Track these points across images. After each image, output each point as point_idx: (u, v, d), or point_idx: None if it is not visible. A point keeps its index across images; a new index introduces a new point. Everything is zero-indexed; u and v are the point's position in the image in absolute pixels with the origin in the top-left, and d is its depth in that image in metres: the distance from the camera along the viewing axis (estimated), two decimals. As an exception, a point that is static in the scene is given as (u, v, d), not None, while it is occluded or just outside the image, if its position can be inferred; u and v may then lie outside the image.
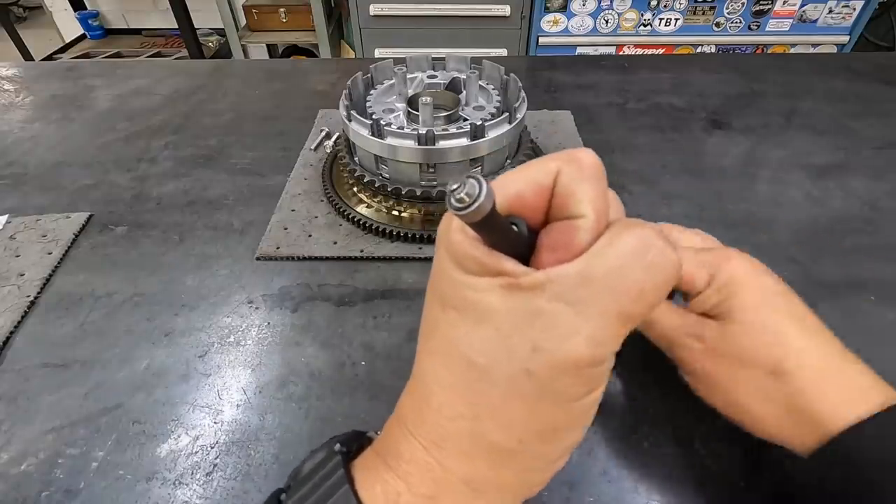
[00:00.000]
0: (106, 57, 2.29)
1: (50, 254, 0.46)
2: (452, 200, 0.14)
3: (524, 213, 0.17)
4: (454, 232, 0.16)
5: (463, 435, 0.17)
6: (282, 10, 2.11)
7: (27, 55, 2.38)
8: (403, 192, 0.45)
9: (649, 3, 1.70)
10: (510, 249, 0.16)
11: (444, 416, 0.17)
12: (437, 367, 0.18)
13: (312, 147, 0.59)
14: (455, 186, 0.14)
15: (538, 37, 1.76)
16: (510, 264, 0.16)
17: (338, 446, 0.20)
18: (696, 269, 0.27)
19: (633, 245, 0.15)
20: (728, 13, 1.72)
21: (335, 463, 0.19)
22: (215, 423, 0.34)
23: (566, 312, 0.15)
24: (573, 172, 0.16)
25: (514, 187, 0.16)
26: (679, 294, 0.30)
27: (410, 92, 0.51)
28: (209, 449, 0.32)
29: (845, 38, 1.76)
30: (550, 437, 0.17)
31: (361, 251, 0.45)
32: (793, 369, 0.25)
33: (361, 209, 0.48)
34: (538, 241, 0.16)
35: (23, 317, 0.40)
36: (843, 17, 1.73)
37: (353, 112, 0.45)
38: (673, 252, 0.16)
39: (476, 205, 0.13)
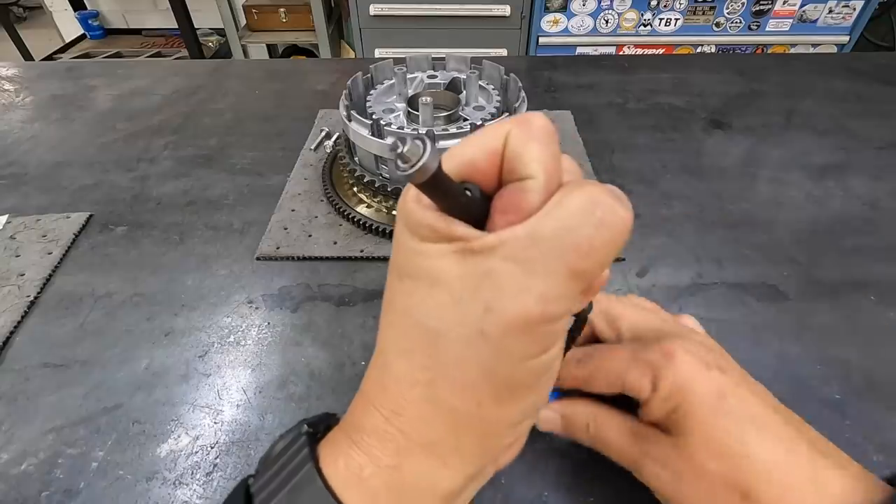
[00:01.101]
0: (106, 57, 2.29)
1: (50, 254, 0.46)
2: (399, 162, 0.14)
3: (478, 178, 0.17)
4: (409, 201, 0.17)
5: (421, 401, 0.17)
6: (282, 10, 2.11)
7: (27, 55, 2.38)
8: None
9: (649, 3, 1.70)
10: (465, 215, 0.16)
11: (403, 384, 0.17)
12: (395, 337, 0.18)
13: (312, 147, 0.59)
14: (400, 148, 0.14)
15: (538, 37, 1.76)
16: (462, 228, 0.16)
17: (305, 427, 0.20)
18: (638, 375, 0.25)
19: (581, 203, 0.15)
20: (728, 13, 1.72)
21: (301, 443, 0.19)
22: (215, 423, 0.34)
23: (516, 272, 0.15)
24: (522, 134, 0.16)
25: (466, 153, 0.16)
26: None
27: (410, 92, 0.51)
28: (209, 449, 0.32)
29: (845, 38, 1.76)
30: (508, 398, 0.17)
31: (361, 251, 0.45)
32: (760, 490, 0.22)
33: (361, 209, 0.48)
34: (491, 206, 0.17)
35: (23, 317, 0.40)
36: (843, 17, 1.73)
37: (353, 112, 0.45)
38: (622, 209, 0.16)
39: (420, 163, 0.13)
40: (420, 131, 0.42)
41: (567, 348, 0.25)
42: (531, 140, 0.16)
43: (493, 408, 0.17)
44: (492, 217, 0.16)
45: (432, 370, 0.17)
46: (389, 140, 0.43)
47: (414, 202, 0.16)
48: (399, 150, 0.14)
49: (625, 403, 0.27)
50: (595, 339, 0.30)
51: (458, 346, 0.16)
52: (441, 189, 0.15)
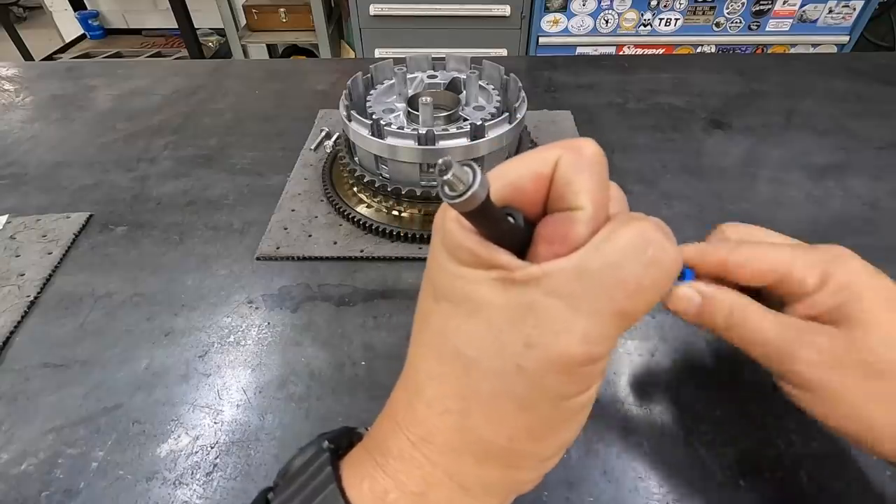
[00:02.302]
0: (106, 57, 2.29)
1: (50, 254, 0.46)
2: (446, 189, 0.13)
3: (522, 203, 0.16)
4: (449, 222, 0.16)
5: (452, 430, 0.17)
6: (282, 10, 2.10)
7: (27, 55, 2.38)
8: (403, 192, 0.45)
9: (649, 3, 1.69)
10: (506, 241, 0.15)
11: (434, 411, 0.17)
12: (428, 360, 0.17)
13: (312, 147, 0.59)
14: (447, 175, 0.13)
15: (538, 37, 1.76)
16: (505, 257, 0.15)
17: (326, 443, 0.20)
18: (805, 267, 0.24)
19: (631, 240, 0.15)
20: (728, 13, 1.72)
21: (323, 460, 0.19)
22: (215, 423, 0.34)
23: (560, 308, 0.14)
24: (573, 162, 0.15)
25: (512, 176, 0.16)
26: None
27: (410, 92, 0.51)
28: (209, 449, 0.32)
29: (845, 38, 1.76)
30: (541, 436, 0.17)
31: (361, 251, 0.45)
32: None
33: (361, 209, 0.48)
34: (535, 233, 0.16)
35: (23, 317, 0.40)
36: (843, 17, 1.73)
37: (353, 112, 0.45)
38: (673, 247, 0.15)
39: (469, 193, 0.13)
40: (420, 131, 0.42)
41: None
42: (582, 169, 0.15)
43: (526, 443, 0.17)
44: (535, 246, 0.16)
45: (466, 400, 0.16)
46: (398, 141, 0.42)
47: (454, 223, 0.16)
48: (446, 177, 0.13)
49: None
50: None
51: (495, 378, 0.16)
52: (484, 214, 0.14)
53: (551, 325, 0.15)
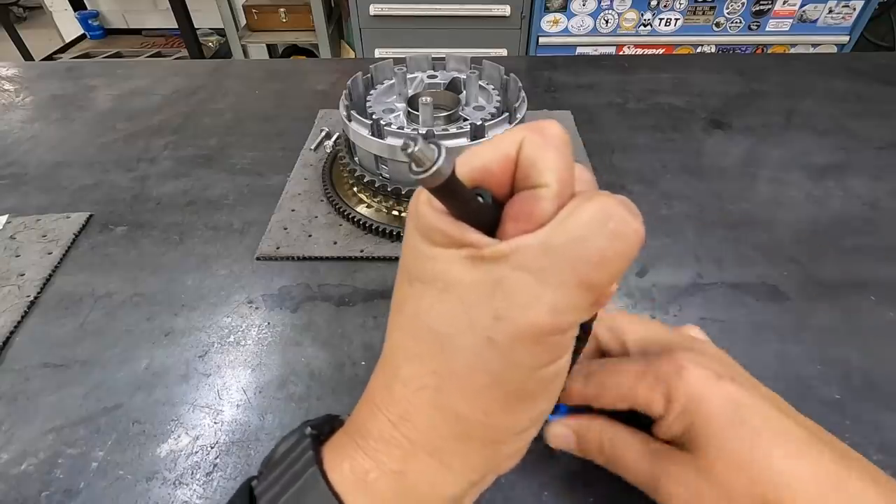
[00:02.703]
0: (106, 57, 2.29)
1: (50, 254, 0.46)
2: (413, 165, 0.14)
3: (491, 184, 0.16)
4: (421, 205, 0.16)
5: (428, 406, 0.17)
6: (282, 10, 2.11)
7: (27, 55, 2.38)
8: (403, 192, 0.45)
9: (649, 3, 1.70)
10: (476, 221, 0.16)
11: (410, 389, 0.17)
12: (404, 341, 0.18)
13: (312, 147, 0.59)
14: (411, 148, 0.13)
15: (538, 37, 1.76)
16: (474, 235, 0.16)
17: (308, 430, 0.20)
18: (649, 391, 0.24)
19: (593, 214, 0.15)
20: (728, 13, 1.72)
21: (305, 445, 0.19)
22: (215, 423, 0.34)
23: (528, 281, 0.15)
24: (536, 142, 0.16)
25: (480, 159, 0.16)
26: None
27: (410, 92, 0.51)
28: (209, 449, 0.32)
29: (845, 38, 1.76)
30: (515, 407, 0.17)
31: (361, 251, 0.45)
32: None
33: (361, 209, 0.48)
34: (503, 213, 0.16)
35: (23, 317, 0.40)
36: (843, 17, 1.73)
37: (353, 112, 0.45)
38: (635, 221, 0.16)
39: (434, 168, 0.13)
40: (420, 131, 0.42)
41: (573, 360, 0.25)
42: (546, 148, 0.16)
43: (501, 416, 0.17)
44: (503, 224, 0.16)
45: (440, 376, 0.17)
46: (397, 141, 0.43)
47: (426, 206, 0.16)
48: (410, 150, 0.13)
49: (636, 420, 0.26)
50: (601, 353, 0.29)
51: (467, 352, 0.16)
52: (454, 194, 0.15)
53: (519, 297, 0.15)
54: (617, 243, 0.15)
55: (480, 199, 0.16)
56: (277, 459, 0.20)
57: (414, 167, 0.14)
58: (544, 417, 0.19)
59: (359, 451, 0.18)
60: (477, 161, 0.17)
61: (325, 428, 0.21)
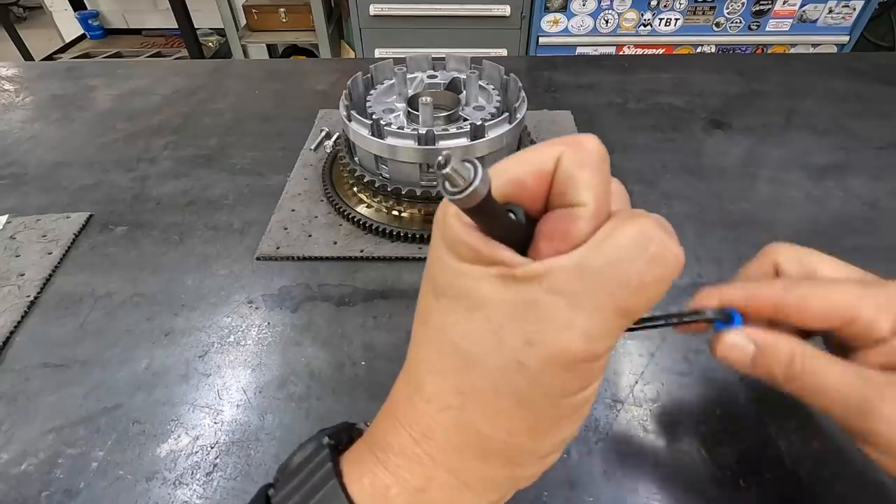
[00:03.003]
0: (106, 57, 2.29)
1: (50, 254, 0.46)
2: (446, 184, 0.13)
3: (523, 199, 0.16)
4: (450, 217, 0.16)
5: (452, 426, 0.17)
6: (282, 10, 2.10)
7: (27, 55, 2.38)
8: (403, 192, 0.45)
9: (649, 3, 1.69)
10: (507, 237, 0.15)
11: (434, 407, 0.17)
12: (429, 356, 0.17)
13: (312, 147, 0.59)
14: (446, 169, 0.13)
15: (538, 37, 1.76)
16: (506, 253, 0.15)
17: (326, 439, 0.20)
18: (877, 310, 0.22)
19: (632, 236, 0.15)
20: (728, 13, 1.72)
21: (323, 456, 0.19)
22: (215, 423, 0.34)
23: (561, 305, 0.14)
24: (575, 158, 0.15)
25: (514, 172, 0.16)
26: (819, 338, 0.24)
27: (410, 92, 0.51)
28: (209, 449, 0.32)
29: (845, 38, 1.76)
30: (541, 433, 0.17)
31: (361, 251, 0.45)
32: None
33: (361, 209, 0.48)
34: (536, 230, 0.16)
35: (23, 317, 0.40)
36: (843, 17, 1.73)
37: (353, 112, 0.45)
38: (675, 245, 0.15)
39: (470, 189, 0.13)
40: (420, 131, 0.42)
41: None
42: (583, 165, 0.15)
43: (525, 439, 0.17)
44: (536, 242, 0.16)
45: (465, 395, 0.16)
46: (398, 141, 0.43)
47: (455, 218, 0.16)
48: (445, 171, 0.13)
49: None
50: None
51: (495, 374, 0.16)
52: (486, 211, 0.14)
53: (552, 322, 0.15)
54: (656, 268, 0.15)
55: (513, 215, 0.16)
56: (295, 468, 0.19)
57: (448, 187, 0.13)
58: (568, 442, 0.19)
59: (379, 465, 0.18)
60: (510, 174, 0.16)
61: (343, 437, 0.21)
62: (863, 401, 0.21)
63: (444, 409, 0.17)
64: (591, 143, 0.16)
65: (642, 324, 0.23)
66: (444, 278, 0.16)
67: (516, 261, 0.15)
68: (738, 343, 0.23)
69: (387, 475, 0.17)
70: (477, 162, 0.13)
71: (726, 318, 0.23)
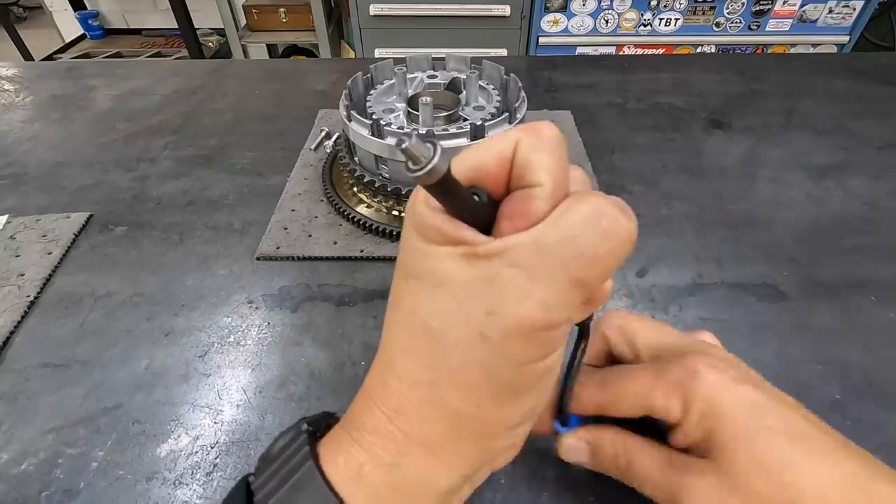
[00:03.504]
0: (106, 57, 2.29)
1: (50, 254, 0.46)
2: (409, 163, 0.14)
3: (487, 183, 0.17)
4: (419, 204, 0.17)
5: (422, 400, 0.17)
6: (282, 10, 2.11)
7: (27, 55, 2.38)
8: (403, 192, 0.45)
9: (649, 3, 1.69)
10: (472, 219, 0.16)
11: (405, 384, 0.18)
12: (399, 335, 0.18)
13: (312, 147, 0.59)
14: (405, 143, 0.14)
15: (538, 37, 1.76)
16: (469, 233, 0.16)
17: (305, 426, 0.20)
18: (665, 395, 0.23)
19: (586, 213, 0.15)
20: (728, 13, 1.72)
21: (301, 441, 0.19)
22: (215, 423, 0.34)
23: (520, 278, 0.15)
24: (532, 142, 0.16)
25: (476, 158, 0.17)
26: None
27: (410, 92, 0.51)
28: (209, 449, 0.32)
29: (845, 38, 1.76)
30: (508, 401, 0.18)
31: (361, 251, 0.45)
32: None
33: (361, 209, 0.48)
34: (499, 211, 0.17)
35: (23, 317, 0.40)
36: (843, 17, 1.73)
37: (353, 112, 0.45)
38: (627, 221, 0.16)
39: (430, 165, 0.14)
40: (420, 131, 0.42)
41: (576, 359, 0.24)
42: (540, 148, 0.16)
43: (493, 410, 0.17)
44: (498, 222, 0.17)
45: (435, 370, 0.17)
46: (392, 140, 0.43)
47: (423, 204, 0.17)
48: (404, 146, 0.14)
49: (651, 430, 0.25)
50: (611, 358, 0.29)
51: (461, 347, 0.16)
52: (450, 192, 0.15)
53: (512, 294, 0.15)
54: (608, 242, 0.15)
55: (476, 197, 0.16)
56: (274, 455, 0.20)
57: (410, 165, 0.14)
58: (536, 413, 0.19)
59: (354, 444, 0.18)
60: (473, 160, 0.17)
61: (322, 424, 0.21)
62: (670, 490, 0.23)
63: (414, 385, 0.17)
64: (546, 129, 0.17)
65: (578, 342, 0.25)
66: (413, 261, 0.17)
67: (479, 239, 0.16)
68: (574, 446, 0.26)
69: (361, 453, 0.18)
70: (437, 141, 0.14)
71: (564, 420, 0.26)
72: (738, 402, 0.22)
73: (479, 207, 0.16)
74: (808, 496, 0.20)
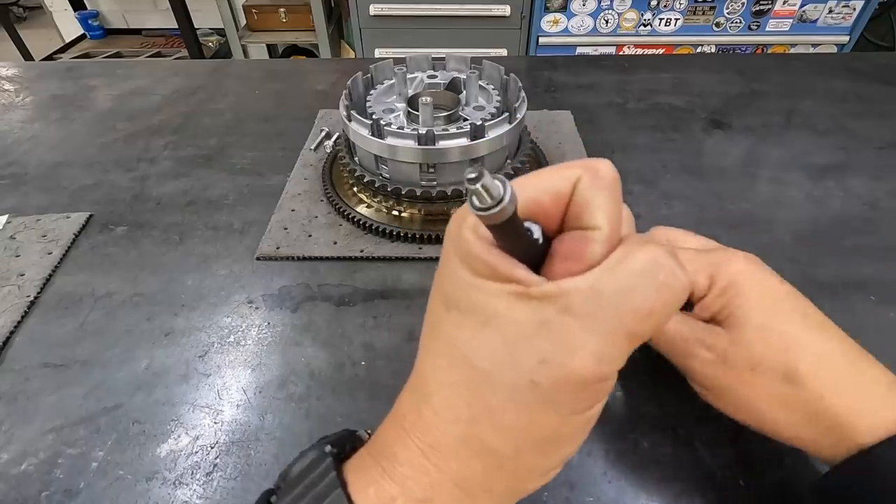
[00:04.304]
0: (106, 57, 2.29)
1: (50, 254, 0.46)
2: (474, 199, 0.13)
3: (539, 218, 0.16)
4: (466, 230, 0.16)
5: (460, 438, 0.17)
6: (282, 10, 2.10)
7: (27, 55, 2.38)
8: (403, 192, 0.45)
9: (649, 3, 1.69)
10: (522, 255, 0.16)
11: (443, 418, 0.17)
12: (438, 368, 0.18)
13: (312, 147, 0.59)
14: (477, 185, 0.13)
15: (538, 37, 1.76)
16: (522, 272, 0.15)
17: (329, 447, 0.20)
18: (697, 272, 0.27)
19: (644, 263, 0.15)
20: (728, 13, 1.72)
21: (327, 465, 0.19)
22: (215, 423, 0.34)
23: (575, 326, 0.15)
24: (591, 182, 0.16)
25: (533, 192, 0.16)
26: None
27: (410, 92, 0.51)
28: (209, 449, 0.32)
29: (845, 38, 1.76)
30: (547, 448, 0.17)
31: (361, 251, 0.45)
32: (808, 375, 0.24)
33: (361, 209, 0.48)
34: (551, 250, 0.16)
35: (23, 317, 0.40)
36: (843, 17, 1.73)
37: (353, 112, 0.45)
38: (683, 273, 0.16)
39: (500, 207, 0.13)
40: (420, 131, 0.42)
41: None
42: (600, 189, 0.16)
43: (531, 455, 0.17)
44: (550, 262, 0.16)
45: (475, 409, 0.16)
46: (397, 141, 0.43)
47: (471, 233, 0.16)
48: (476, 186, 0.13)
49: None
50: None
51: (507, 390, 0.16)
52: (508, 228, 0.14)
53: (566, 343, 0.15)
54: (665, 294, 0.15)
55: (530, 233, 0.16)
56: (297, 476, 0.19)
57: (476, 202, 0.13)
58: (569, 457, 0.19)
59: (385, 475, 0.18)
60: (529, 193, 0.16)
61: (346, 446, 0.21)
62: (684, 343, 0.27)
63: (453, 421, 0.17)
64: (606, 169, 0.16)
65: None
66: (457, 291, 0.17)
67: (532, 280, 0.15)
68: None
69: (392, 486, 0.17)
70: (506, 179, 0.13)
71: None
72: (759, 286, 0.26)
73: (531, 244, 0.16)
74: (802, 359, 0.24)
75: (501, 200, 0.13)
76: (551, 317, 0.15)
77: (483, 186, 0.13)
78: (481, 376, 0.16)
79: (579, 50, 1.79)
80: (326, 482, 0.18)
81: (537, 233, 0.16)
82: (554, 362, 0.15)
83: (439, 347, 0.18)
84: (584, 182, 0.16)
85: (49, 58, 2.22)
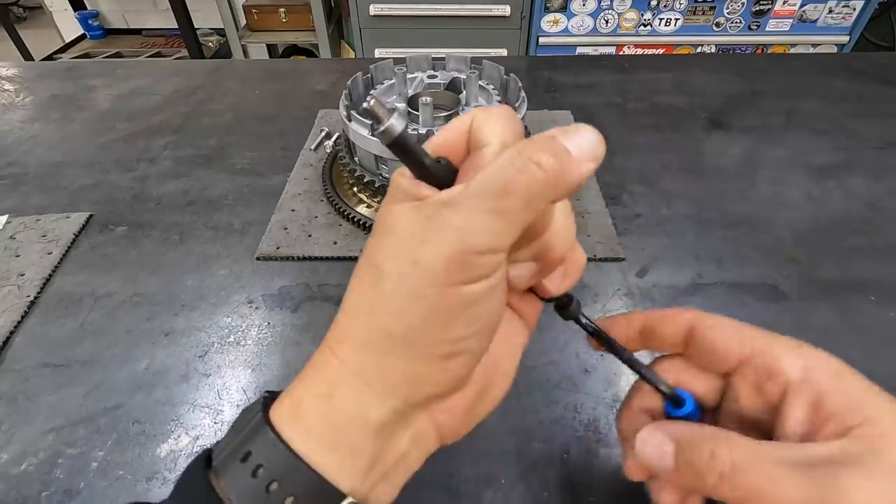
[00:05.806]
0: (106, 57, 2.29)
1: (50, 254, 0.46)
2: (374, 124, 0.17)
3: (450, 153, 0.20)
4: (396, 174, 0.19)
5: (361, 328, 0.19)
6: (282, 10, 2.10)
7: (27, 55, 2.38)
8: (403, 192, 0.45)
9: (649, 3, 1.69)
10: (437, 183, 0.19)
11: (349, 315, 0.19)
12: (353, 280, 0.20)
13: (312, 147, 0.59)
14: (367, 104, 0.17)
15: (538, 37, 1.76)
16: (426, 189, 0.18)
17: (265, 392, 0.21)
18: (784, 350, 0.21)
19: (507, 155, 0.17)
20: (728, 13, 1.72)
21: (257, 401, 0.20)
22: (215, 423, 0.34)
23: (448, 212, 0.17)
24: (483, 115, 0.19)
25: (440, 135, 0.20)
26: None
27: (410, 92, 0.51)
28: (209, 449, 0.32)
29: (845, 38, 1.76)
30: (433, 322, 0.18)
31: (361, 251, 0.45)
32: None
33: (361, 209, 0.48)
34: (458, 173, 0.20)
35: (23, 317, 0.40)
36: (843, 17, 1.73)
37: (353, 112, 0.45)
38: (547, 157, 0.17)
39: (387, 123, 0.17)
40: (420, 131, 0.42)
41: (613, 343, 0.24)
42: (489, 118, 0.19)
43: (421, 332, 0.18)
44: (458, 181, 0.19)
45: (373, 300, 0.18)
46: (364, 105, 0.43)
47: (398, 175, 0.19)
48: (365, 106, 0.17)
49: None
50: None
51: (396, 274, 0.18)
52: (411, 153, 0.18)
53: (439, 225, 0.17)
54: (521, 176, 0.17)
55: (440, 163, 0.19)
56: (235, 422, 0.21)
57: (375, 125, 0.17)
58: (465, 347, 0.19)
59: (298, 383, 0.20)
60: (438, 137, 0.20)
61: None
62: (815, 489, 0.17)
63: (356, 314, 0.19)
64: (498, 108, 0.20)
65: (604, 343, 0.24)
66: (380, 220, 0.19)
67: (433, 193, 0.18)
68: (650, 441, 0.20)
69: (301, 389, 0.19)
70: (395, 106, 0.16)
71: (676, 400, 0.22)
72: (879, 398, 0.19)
73: (441, 171, 0.19)
74: None
75: (385, 119, 0.17)
76: (434, 211, 0.18)
77: (368, 110, 0.17)
78: (379, 271, 0.18)
79: (579, 50, 1.79)
80: (253, 412, 0.20)
81: (444, 161, 0.19)
82: (431, 240, 0.17)
83: (358, 265, 0.20)
84: (477, 116, 0.19)
85: (49, 58, 2.22)
